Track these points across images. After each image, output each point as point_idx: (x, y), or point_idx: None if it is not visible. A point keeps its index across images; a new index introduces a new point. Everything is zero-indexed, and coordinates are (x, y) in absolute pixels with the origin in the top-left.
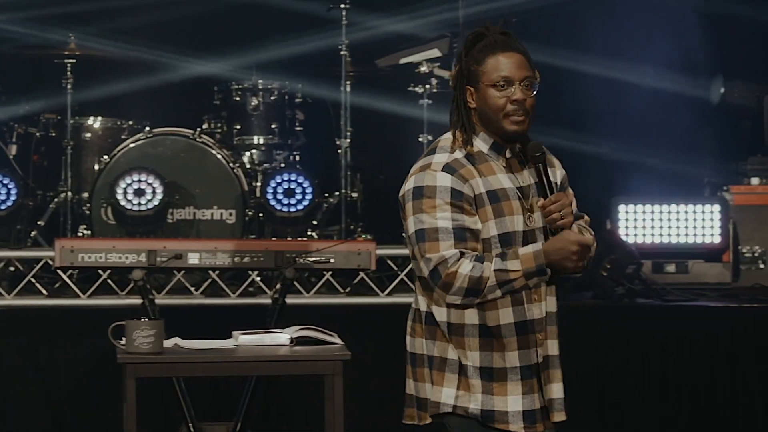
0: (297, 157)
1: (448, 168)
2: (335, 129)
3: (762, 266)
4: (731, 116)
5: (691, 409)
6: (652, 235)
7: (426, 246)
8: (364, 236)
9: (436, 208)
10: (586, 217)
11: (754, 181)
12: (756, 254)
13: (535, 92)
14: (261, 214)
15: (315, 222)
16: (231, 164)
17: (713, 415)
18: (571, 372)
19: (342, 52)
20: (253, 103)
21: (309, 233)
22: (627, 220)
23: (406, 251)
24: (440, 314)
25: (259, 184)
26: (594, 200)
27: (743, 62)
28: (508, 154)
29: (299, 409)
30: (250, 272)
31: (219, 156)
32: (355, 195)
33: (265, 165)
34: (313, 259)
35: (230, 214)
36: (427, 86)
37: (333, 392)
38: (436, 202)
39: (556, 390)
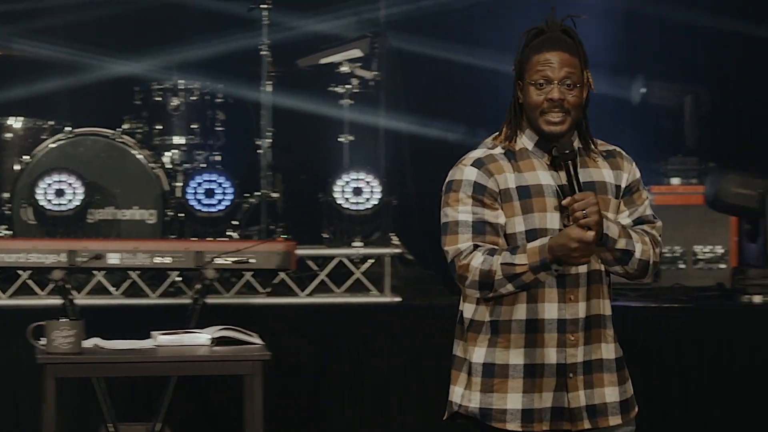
0: (217, 158)
1: (477, 162)
2: (256, 129)
3: (682, 266)
4: (652, 116)
5: None
6: None
7: (447, 239)
8: (284, 236)
9: (459, 201)
10: (658, 223)
11: (675, 181)
12: (676, 254)
13: (579, 91)
14: (181, 215)
15: (235, 222)
16: (151, 164)
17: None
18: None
19: (263, 53)
20: (173, 104)
21: (229, 233)
22: None
23: (326, 251)
24: (468, 311)
25: (179, 184)
26: None
27: (664, 62)
28: (555, 152)
29: (220, 409)
30: (170, 272)
31: (139, 156)
32: (275, 195)
33: (186, 165)
34: (234, 259)
35: (150, 215)
36: (348, 86)
37: (252, 392)
38: (459, 196)
39: (610, 394)
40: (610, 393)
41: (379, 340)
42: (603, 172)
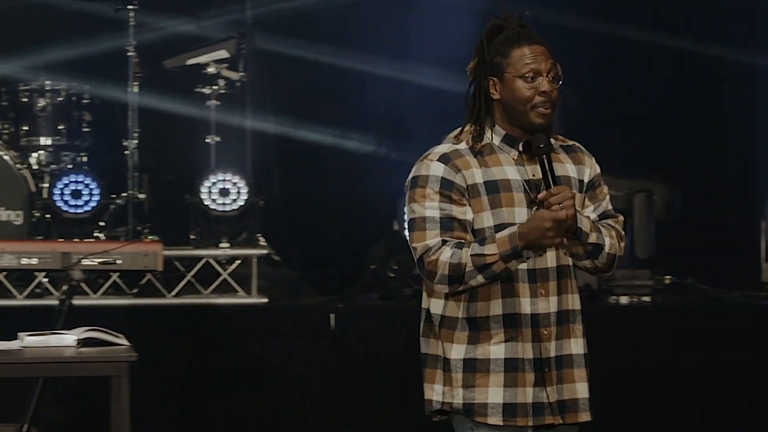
0: (84, 158)
1: (443, 158)
2: (123, 130)
3: None
4: None
5: None
6: None
7: (414, 235)
8: (151, 237)
9: (426, 197)
10: (620, 217)
11: None
12: None
13: (559, 84)
14: (48, 216)
15: (102, 223)
16: (18, 165)
17: None
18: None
19: (129, 53)
20: (40, 104)
21: (96, 234)
22: None
23: (193, 252)
24: (436, 307)
25: (46, 185)
26: (384, 200)
27: None
28: (521, 147)
29: (87, 410)
30: (36, 273)
31: (6, 157)
32: (142, 196)
33: (53, 166)
34: (100, 260)
35: (17, 215)
36: (215, 87)
37: (119, 393)
38: (426, 192)
39: (581, 390)
40: (581, 389)
41: (247, 340)
42: (567, 167)
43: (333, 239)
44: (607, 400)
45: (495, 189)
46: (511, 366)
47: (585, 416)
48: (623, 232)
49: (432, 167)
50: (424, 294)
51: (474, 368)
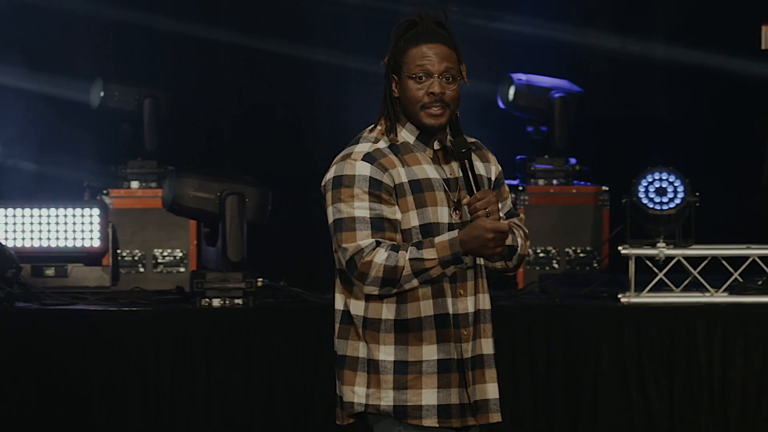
0: None
1: (368, 157)
2: None
3: (142, 270)
4: (111, 120)
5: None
6: (32, 238)
7: (343, 236)
8: None
9: (354, 197)
10: (522, 216)
11: (134, 185)
12: (136, 258)
13: (456, 85)
14: None
15: None
16: None
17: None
18: None
19: None
20: None
21: None
22: (6, 223)
23: None
24: (357, 308)
25: None
26: None
27: (121, 66)
28: (436, 146)
29: None
30: None
31: None
32: None
33: None
34: None
35: None
36: None
37: None
38: (354, 192)
39: (491, 390)
40: (491, 389)
41: None
42: (480, 166)
43: None
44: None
45: (419, 188)
46: (444, 367)
47: (496, 417)
48: (527, 231)
49: (358, 167)
50: (340, 295)
51: (405, 370)
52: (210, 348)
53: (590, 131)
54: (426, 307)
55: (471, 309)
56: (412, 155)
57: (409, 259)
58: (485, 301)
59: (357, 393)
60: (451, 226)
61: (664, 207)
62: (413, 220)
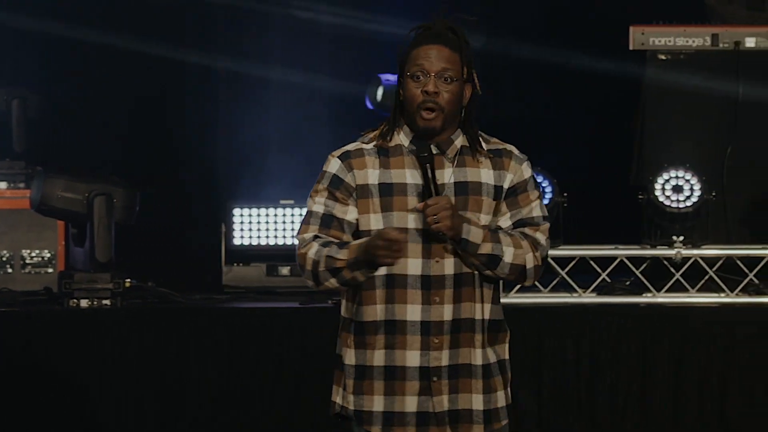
0: None
1: (344, 155)
2: None
3: (10, 271)
4: None
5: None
6: None
7: (300, 228)
8: None
9: (318, 192)
10: (543, 226)
11: (2, 185)
12: (4, 258)
13: (455, 88)
14: None
15: None
16: None
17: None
18: None
19: None
20: None
21: None
22: None
23: None
24: (342, 308)
25: None
26: None
27: None
28: (433, 150)
29: None
30: None
31: None
32: None
33: None
34: None
35: None
36: None
37: None
38: (318, 187)
39: (476, 401)
40: (476, 400)
41: None
42: (482, 172)
43: None
44: None
45: (389, 192)
46: (391, 374)
47: (477, 429)
48: (541, 240)
49: (331, 163)
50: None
51: (363, 375)
52: (79, 348)
53: None
54: (377, 312)
55: (447, 317)
56: (399, 158)
57: (326, 256)
58: (474, 311)
59: (337, 393)
60: (424, 232)
61: None
62: (376, 222)
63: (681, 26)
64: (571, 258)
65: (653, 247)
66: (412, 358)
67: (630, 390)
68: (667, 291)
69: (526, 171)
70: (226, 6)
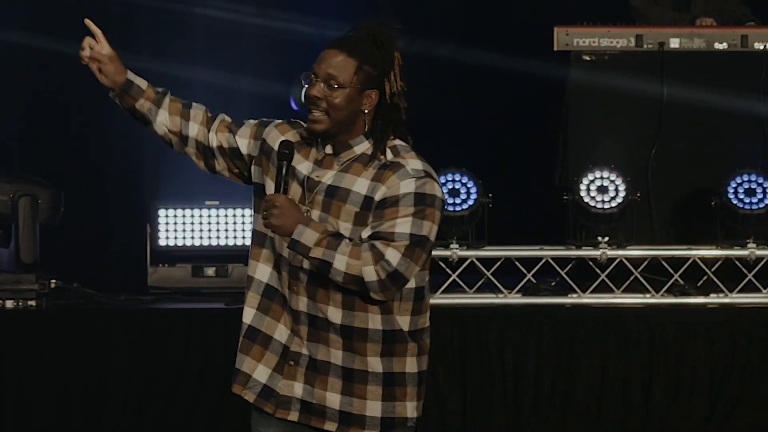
0: None
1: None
2: None
3: None
4: None
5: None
6: None
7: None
8: None
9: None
10: (398, 242)
11: None
12: None
13: (344, 94)
14: None
15: None
16: None
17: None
18: None
19: None
20: None
21: None
22: None
23: None
24: None
25: None
26: None
27: None
28: (329, 150)
29: None
30: None
31: None
32: None
33: None
34: None
35: None
36: None
37: None
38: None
39: (332, 400)
40: (332, 398)
41: None
42: (358, 182)
43: None
44: None
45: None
46: (251, 335)
47: (330, 425)
48: (388, 255)
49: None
50: None
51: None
52: (4, 349)
53: None
54: (260, 271)
55: (303, 309)
56: (307, 150)
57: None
58: (335, 314)
59: None
60: None
61: (457, 208)
62: (269, 189)
63: (605, 27)
64: (496, 259)
65: (578, 247)
66: (281, 333)
67: (555, 390)
68: (592, 292)
69: (406, 187)
70: (145, 6)
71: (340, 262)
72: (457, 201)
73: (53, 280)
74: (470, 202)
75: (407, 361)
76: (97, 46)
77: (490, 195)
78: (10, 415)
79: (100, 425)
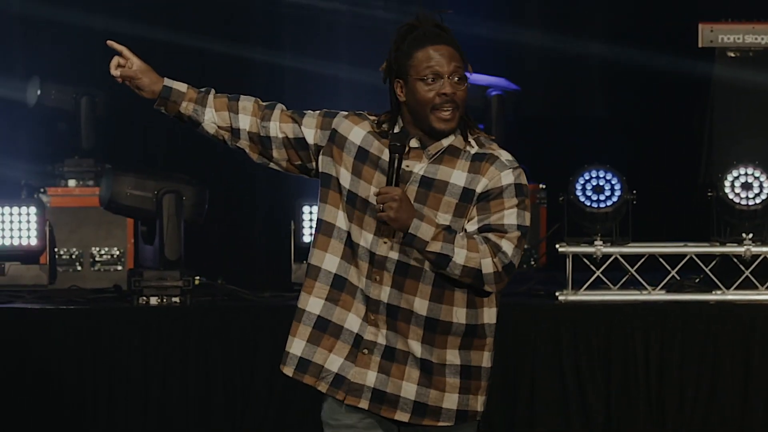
0: None
1: (348, 113)
2: None
3: (79, 268)
4: (47, 118)
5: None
6: None
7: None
8: None
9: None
10: (511, 234)
11: (71, 183)
12: (73, 256)
13: (466, 85)
14: None
15: None
16: None
17: None
18: None
19: None
20: None
21: None
22: None
23: None
24: None
25: None
26: None
27: (59, 65)
28: (414, 143)
29: None
30: None
31: None
32: None
33: None
34: None
35: None
36: None
37: None
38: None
39: (407, 389)
40: (408, 388)
41: None
42: (455, 174)
43: None
44: None
45: (363, 158)
46: (322, 325)
47: (402, 415)
48: (504, 247)
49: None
50: None
51: (300, 317)
52: (147, 346)
53: (527, 129)
54: (330, 262)
55: (385, 299)
56: (385, 140)
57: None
58: (418, 305)
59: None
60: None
61: (601, 205)
62: (345, 180)
63: (750, 23)
64: (640, 255)
65: (723, 244)
66: (352, 321)
67: (699, 388)
68: (736, 288)
69: (506, 178)
70: (291, 4)
71: (460, 255)
72: (602, 198)
73: (197, 277)
74: (614, 199)
75: (484, 355)
76: (126, 63)
77: (634, 192)
78: (154, 411)
79: (243, 421)
